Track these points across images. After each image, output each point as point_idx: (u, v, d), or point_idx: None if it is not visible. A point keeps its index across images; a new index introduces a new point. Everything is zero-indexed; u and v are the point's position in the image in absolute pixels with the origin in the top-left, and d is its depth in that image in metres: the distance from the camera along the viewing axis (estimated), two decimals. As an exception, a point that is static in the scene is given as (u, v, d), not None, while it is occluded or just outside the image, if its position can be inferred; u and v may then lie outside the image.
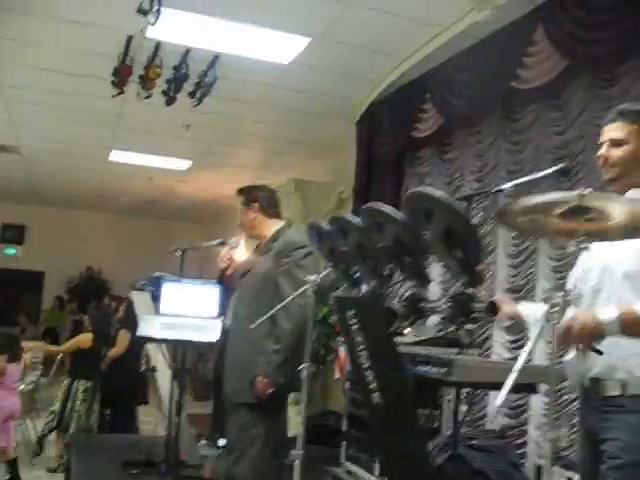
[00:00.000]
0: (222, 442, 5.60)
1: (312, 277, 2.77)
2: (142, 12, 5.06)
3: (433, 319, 2.26)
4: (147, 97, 6.71)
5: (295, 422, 3.56)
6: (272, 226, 3.79)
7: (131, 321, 6.05)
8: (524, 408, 4.85)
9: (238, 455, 3.46)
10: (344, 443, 5.15)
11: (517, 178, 5.14)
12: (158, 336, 4.14)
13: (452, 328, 2.08)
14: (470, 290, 1.95)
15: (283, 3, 5.22)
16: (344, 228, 2.45)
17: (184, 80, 6.35)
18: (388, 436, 2.18)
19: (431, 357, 2.11)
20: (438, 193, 2.10)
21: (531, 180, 2.43)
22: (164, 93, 6.75)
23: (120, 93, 6.74)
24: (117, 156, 10.04)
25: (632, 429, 2.27)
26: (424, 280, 2.13)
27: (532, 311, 2.58)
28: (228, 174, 10.91)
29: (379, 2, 5.11)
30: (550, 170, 2.34)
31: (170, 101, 6.80)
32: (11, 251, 14.98)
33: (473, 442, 4.24)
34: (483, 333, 5.29)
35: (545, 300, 1.67)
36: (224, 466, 3.67)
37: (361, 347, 2.10)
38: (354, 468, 4.89)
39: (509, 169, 5.35)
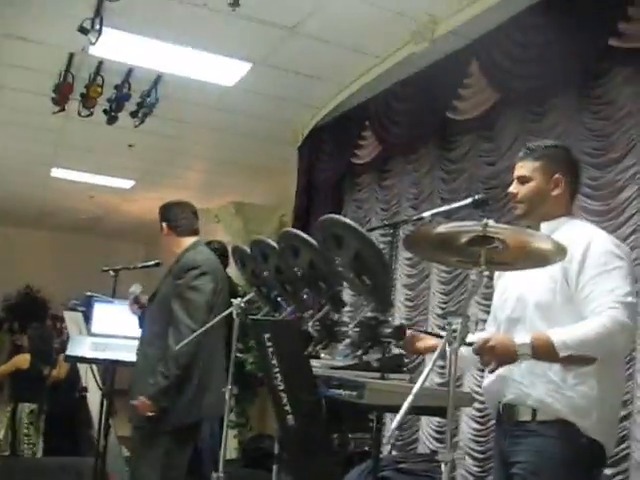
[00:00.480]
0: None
1: (236, 301, 2.79)
2: (83, 31, 5.06)
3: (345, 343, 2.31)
4: (88, 115, 6.67)
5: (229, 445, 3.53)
6: (183, 245, 3.76)
7: None
8: (454, 432, 4.93)
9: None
10: (275, 466, 5.13)
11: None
12: (88, 356, 4.10)
13: (359, 353, 2.13)
14: (379, 315, 2.00)
15: (225, 28, 5.26)
16: (265, 252, 2.48)
17: (126, 99, 6.33)
18: (303, 459, 2.21)
19: (343, 380, 2.15)
20: (347, 220, 2.17)
21: (448, 210, 2.50)
22: (105, 112, 6.73)
23: (61, 110, 6.68)
24: (58, 173, 9.88)
25: (540, 452, 2.35)
26: (338, 304, 2.18)
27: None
28: (171, 194, 10.76)
29: (320, 31, 5.20)
30: (466, 202, 2.41)
31: (111, 120, 6.77)
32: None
33: (401, 465, 4.29)
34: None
35: (446, 325, 1.73)
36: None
37: (276, 370, 2.13)
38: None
39: (443, 197, 5.47)
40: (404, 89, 5.74)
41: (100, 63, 6.01)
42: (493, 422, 4.19)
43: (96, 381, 5.02)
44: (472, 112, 5.10)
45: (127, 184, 10.28)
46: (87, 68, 6.11)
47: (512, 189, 2.53)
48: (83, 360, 4.26)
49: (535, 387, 2.36)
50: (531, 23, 4.52)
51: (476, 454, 4.72)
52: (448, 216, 3.19)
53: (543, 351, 2.24)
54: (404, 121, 5.73)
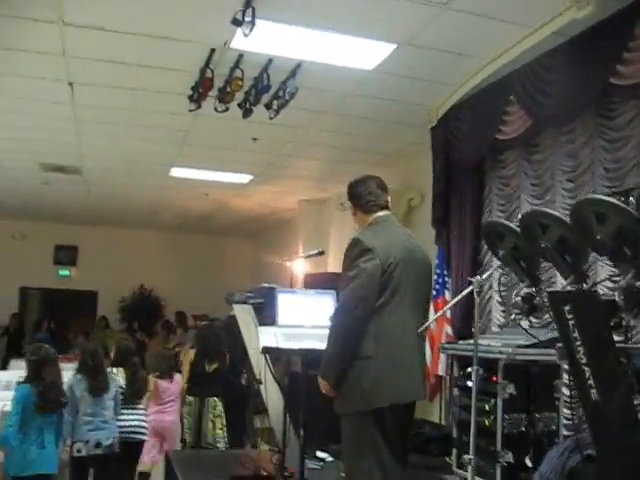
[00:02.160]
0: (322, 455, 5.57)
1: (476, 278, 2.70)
2: (236, 23, 5.09)
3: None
4: (224, 111, 6.74)
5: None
6: (368, 222, 3.62)
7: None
8: None
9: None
10: (455, 450, 5.08)
11: (616, 176, 5.14)
12: (283, 347, 4.08)
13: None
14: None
15: (373, 10, 5.19)
16: (542, 222, 2.37)
17: (266, 91, 6.34)
18: (607, 434, 2.12)
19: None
20: (609, 198, 2.11)
21: None
22: (240, 106, 6.78)
23: (197, 108, 6.77)
24: (178, 172, 10.07)
25: None
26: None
27: None
28: (288, 186, 10.93)
29: (473, 4, 5.08)
30: None
31: (247, 113, 6.82)
32: (65, 272, 15.10)
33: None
34: None
35: None
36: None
37: (578, 343, 2.04)
38: (465, 474, 4.81)
39: (606, 167, 5.27)
40: (555, 59, 5.55)
41: (240, 56, 6.03)
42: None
43: (271, 372, 5.05)
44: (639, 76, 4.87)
45: (245, 179, 10.37)
46: (227, 63, 6.14)
47: None
48: (278, 351, 4.23)
49: None
50: None
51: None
52: None
53: None
54: (556, 92, 5.54)
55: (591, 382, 2.08)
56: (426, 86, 6.58)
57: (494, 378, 4.61)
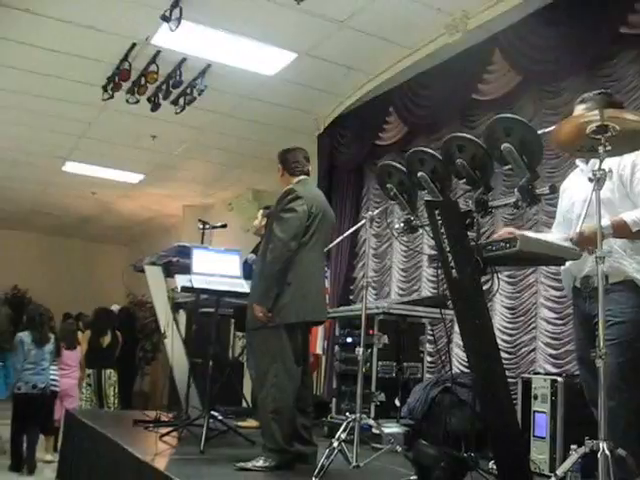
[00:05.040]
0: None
1: (369, 213, 3.51)
2: (165, 19, 5.80)
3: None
4: (135, 102, 7.38)
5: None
6: (292, 182, 4.36)
7: None
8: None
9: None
10: (334, 399, 5.92)
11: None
12: (200, 287, 4.78)
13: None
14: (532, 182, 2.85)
15: (282, 20, 6.04)
16: (421, 158, 3.27)
17: (178, 86, 7.03)
18: (461, 299, 3.02)
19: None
20: (515, 115, 3.05)
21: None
22: (149, 100, 7.44)
23: (110, 98, 7.36)
24: (71, 167, 10.39)
25: (616, 300, 3.19)
26: (489, 187, 3.03)
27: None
28: (175, 189, 11.52)
29: (366, 25, 6.05)
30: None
31: (155, 107, 7.48)
32: None
33: (459, 380, 5.14)
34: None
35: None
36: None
37: (445, 242, 2.95)
38: (342, 417, 5.61)
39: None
40: (429, 77, 6.65)
41: (158, 52, 6.70)
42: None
43: (178, 327, 5.72)
44: (494, 93, 6.02)
45: (136, 178, 10.86)
46: (144, 57, 6.79)
47: None
48: (197, 290, 4.91)
49: (604, 260, 3.15)
50: (550, 17, 5.48)
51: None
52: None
53: (620, 229, 3.13)
54: (428, 104, 6.63)
55: (452, 264, 2.99)
56: (317, 95, 7.53)
57: (371, 331, 5.48)
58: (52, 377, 7.10)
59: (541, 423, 4.41)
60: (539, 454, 4.33)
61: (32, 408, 6.82)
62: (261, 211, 6.28)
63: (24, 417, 6.82)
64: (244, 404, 6.70)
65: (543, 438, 4.35)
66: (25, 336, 6.91)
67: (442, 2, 5.75)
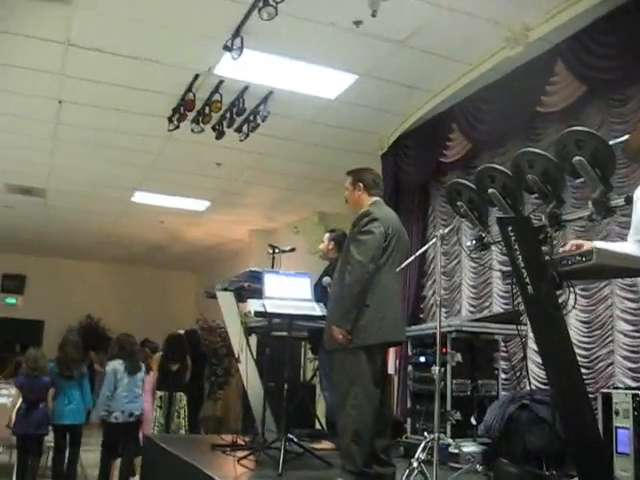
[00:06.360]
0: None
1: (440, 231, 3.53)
2: (227, 49, 5.94)
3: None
4: (200, 131, 7.55)
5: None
6: (368, 202, 4.38)
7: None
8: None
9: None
10: (409, 418, 5.88)
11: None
12: (273, 311, 4.84)
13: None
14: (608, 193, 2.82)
15: (342, 43, 6.11)
16: (491, 175, 3.27)
17: (241, 113, 7.17)
18: (538, 313, 2.99)
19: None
20: (585, 128, 3.03)
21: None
22: (214, 128, 7.60)
23: (176, 128, 7.56)
24: (140, 197, 10.70)
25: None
26: (561, 201, 3.01)
27: None
28: (241, 215, 11.71)
29: (424, 44, 6.08)
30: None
31: (220, 135, 7.64)
32: (11, 300, 15.39)
33: (536, 397, 5.04)
34: None
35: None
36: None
37: (519, 259, 2.93)
38: (419, 437, 5.57)
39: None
40: (490, 92, 6.61)
41: (221, 82, 6.87)
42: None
43: (250, 351, 5.79)
44: (558, 105, 5.95)
45: (203, 205, 11.08)
46: (208, 87, 6.96)
47: None
48: (270, 315, 4.96)
49: None
50: (611, 25, 5.40)
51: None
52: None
53: None
54: (491, 119, 6.59)
55: (527, 280, 2.96)
56: (380, 115, 7.57)
57: (444, 350, 5.45)
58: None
59: (623, 439, 4.28)
60: (623, 471, 4.20)
61: (127, 435, 7.05)
62: (327, 235, 6.33)
63: (117, 444, 7.02)
64: (318, 426, 6.72)
65: (627, 454, 4.22)
66: (118, 364, 7.14)
67: (501, 16, 5.72)
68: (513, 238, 3.03)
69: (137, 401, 7.13)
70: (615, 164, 2.91)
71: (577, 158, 2.85)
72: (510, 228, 3.03)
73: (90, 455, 7.34)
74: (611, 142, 3.04)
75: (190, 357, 8.51)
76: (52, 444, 7.29)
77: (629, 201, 2.89)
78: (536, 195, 3.14)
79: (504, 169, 3.34)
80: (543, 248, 3.06)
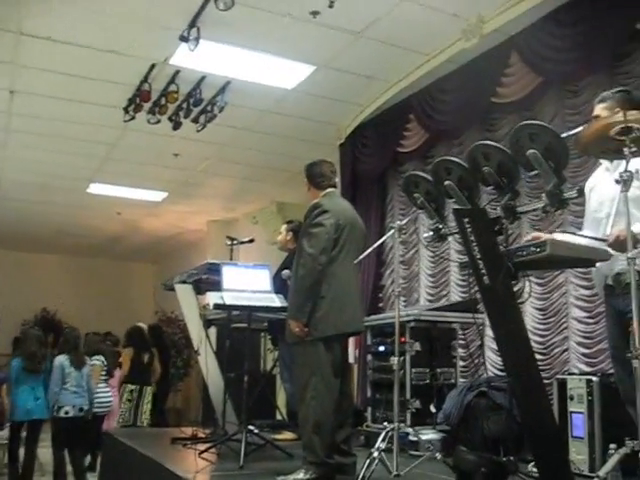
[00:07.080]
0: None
1: (396, 223, 3.56)
2: (183, 39, 5.89)
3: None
4: (156, 122, 7.47)
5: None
6: (319, 196, 4.37)
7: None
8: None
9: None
10: (369, 407, 5.93)
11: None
12: (230, 303, 4.82)
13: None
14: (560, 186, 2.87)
15: (299, 34, 6.10)
16: (448, 167, 3.31)
17: (198, 104, 7.12)
18: (494, 304, 3.04)
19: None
20: (541, 122, 3.07)
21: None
22: (170, 119, 7.53)
23: (132, 119, 7.47)
24: (95, 189, 10.56)
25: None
26: (515, 193, 3.07)
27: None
28: (199, 205, 11.64)
29: (382, 35, 6.10)
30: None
31: (177, 126, 7.57)
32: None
33: (493, 384, 5.13)
34: None
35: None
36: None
37: (475, 249, 2.98)
38: (378, 426, 5.62)
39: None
40: (447, 83, 6.67)
41: (177, 72, 6.80)
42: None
43: (210, 344, 5.78)
44: (514, 96, 6.02)
45: (160, 196, 10.99)
46: (164, 78, 6.89)
47: None
48: (229, 307, 4.95)
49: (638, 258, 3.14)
50: (566, 17, 5.49)
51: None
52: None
53: None
54: (448, 110, 6.65)
55: (483, 271, 3.00)
56: (338, 106, 7.58)
57: (402, 339, 5.50)
58: (108, 399, 7.67)
59: (578, 423, 4.39)
60: (578, 454, 4.31)
61: (78, 430, 6.93)
62: (285, 226, 6.33)
63: (68, 440, 6.90)
64: (279, 417, 6.74)
65: (581, 438, 4.32)
66: (64, 359, 7.00)
67: (457, 7, 5.77)
68: (469, 229, 3.06)
69: (85, 395, 7.00)
70: (568, 157, 2.95)
71: (531, 151, 2.90)
72: (466, 220, 3.06)
73: (46, 451, 7.23)
74: (564, 134, 3.10)
75: (157, 350, 8.51)
76: (6, 442, 7.15)
77: (581, 193, 2.96)
78: (492, 187, 3.18)
79: (460, 161, 3.38)
80: (498, 239, 3.10)
